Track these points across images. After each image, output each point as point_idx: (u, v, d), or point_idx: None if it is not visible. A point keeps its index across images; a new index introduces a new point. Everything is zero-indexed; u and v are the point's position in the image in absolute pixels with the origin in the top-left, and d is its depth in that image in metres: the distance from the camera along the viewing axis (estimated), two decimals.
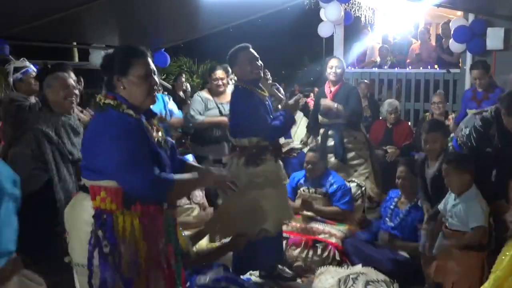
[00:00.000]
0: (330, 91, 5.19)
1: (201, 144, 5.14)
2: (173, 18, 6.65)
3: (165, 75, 12.23)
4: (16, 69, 4.23)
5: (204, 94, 5.22)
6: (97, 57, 7.57)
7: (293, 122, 3.88)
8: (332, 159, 5.14)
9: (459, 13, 7.87)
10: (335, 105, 5.01)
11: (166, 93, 8.16)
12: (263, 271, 4.17)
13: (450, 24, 7.45)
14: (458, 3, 6.67)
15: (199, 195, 4.41)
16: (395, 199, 4.20)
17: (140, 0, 5.80)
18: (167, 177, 2.19)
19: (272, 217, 3.65)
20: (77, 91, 3.30)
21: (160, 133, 2.34)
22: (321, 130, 5.28)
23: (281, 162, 3.90)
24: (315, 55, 10.40)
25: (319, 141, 5.27)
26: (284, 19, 10.52)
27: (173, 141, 2.56)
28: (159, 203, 2.26)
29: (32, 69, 4.29)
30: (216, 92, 5.16)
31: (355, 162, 5.21)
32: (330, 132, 5.19)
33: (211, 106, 5.12)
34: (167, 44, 8.03)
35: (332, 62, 5.18)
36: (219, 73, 5.14)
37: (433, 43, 9.30)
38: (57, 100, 3.16)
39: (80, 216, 2.25)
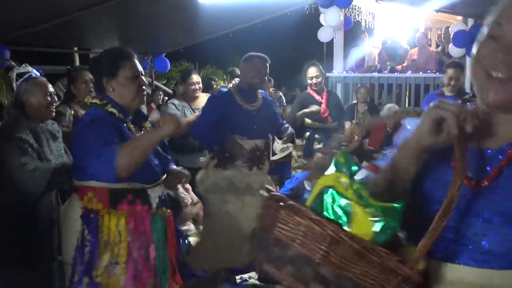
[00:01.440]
0: (321, 98, 5.23)
1: (180, 153, 4.91)
2: (173, 23, 6.68)
3: (166, 80, 12.25)
4: (20, 75, 4.22)
5: (178, 101, 5.19)
6: None
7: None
8: None
9: (459, 17, 7.89)
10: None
11: (166, 98, 8.22)
12: (262, 274, 4.17)
13: (450, 28, 7.48)
14: (458, 9, 6.69)
15: (186, 196, 4.41)
16: None
17: (141, 6, 5.83)
18: (112, 147, 2.11)
19: (237, 223, 3.64)
20: (56, 98, 3.17)
21: None
22: (307, 134, 5.30)
23: (262, 171, 3.79)
24: (316, 59, 10.43)
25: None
26: (284, 24, 10.54)
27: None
28: (145, 202, 2.28)
29: (35, 73, 4.28)
30: (192, 97, 5.13)
31: None
32: (316, 136, 5.23)
33: (188, 113, 5.04)
34: (168, 49, 8.06)
35: (312, 72, 5.16)
36: (194, 77, 5.15)
37: (434, 47, 9.33)
38: (37, 107, 3.02)
39: (71, 216, 2.31)
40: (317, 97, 5.20)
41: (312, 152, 5.22)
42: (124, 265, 2.20)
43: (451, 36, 7.23)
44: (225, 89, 3.93)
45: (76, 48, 8.57)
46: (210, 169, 3.74)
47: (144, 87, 2.35)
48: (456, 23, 7.61)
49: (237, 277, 4.13)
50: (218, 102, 3.75)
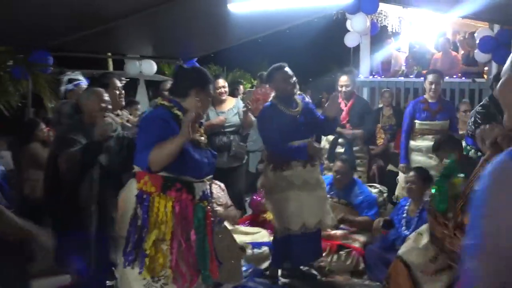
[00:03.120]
0: (345, 105, 5.43)
1: None
2: (204, 30, 6.88)
3: None
4: (70, 80, 4.53)
5: None
6: (131, 67, 7.92)
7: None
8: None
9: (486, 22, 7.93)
10: (354, 132, 5.34)
11: None
12: (285, 270, 4.40)
13: (476, 34, 7.54)
14: (484, 15, 6.73)
15: (222, 196, 4.63)
16: (406, 207, 4.34)
17: (173, 14, 6.05)
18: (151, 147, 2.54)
19: (295, 218, 4.03)
20: (110, 106, 3.42)
21: (202, 138, 2.79)
22: (331, 137, 5.50)
23: (314, 168, 4.17)
24: (342, 64, 10.58)
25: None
26: (311, 29, 10.70)
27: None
28: (190, 192, 2.67)
29: (84, 82, 4.58)
30: (217, 101, 5.32)
31: (361, 169, 5.51)
32: (340, 140, 5.42)
33: (212, 116, 5.27)
34: (198, 54, 8.28)
35: (342, 80, 5.40)
36: (221, 81, 5.39)
37: (461, 51, 9.34)
38: (92, 114, 3.31)
39: (129, 196, 2.73)
40: (342, 104, 5.41)
41: (334, 155, 5.42)
42: (169, 242, 2.58)
43: (477, 42, 7.29)
44: (267, 103, 4.24)
45: (110, 53, 8.91)
46: (270, 172, 4.12)
47: None
48: (482, 28, 7.66)
49: None
50: (267, 115, 4.13)
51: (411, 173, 4.37)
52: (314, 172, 4.16)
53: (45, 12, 5.07)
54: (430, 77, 5.29)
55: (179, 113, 2.67)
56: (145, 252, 2.57)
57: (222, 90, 5.35)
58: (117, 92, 3.92)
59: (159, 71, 9.61)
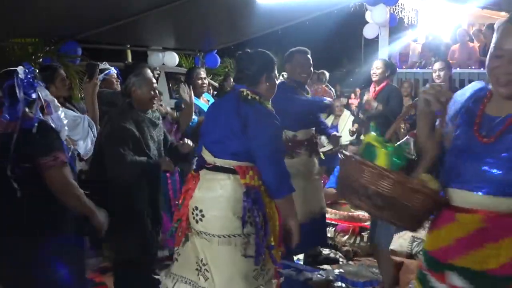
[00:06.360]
0: (374, 90, 5.53)
1: None
2: (226, 22, 6.98)
3: (211, 75, 12.68)
4: (100, 71, 4.70)
5: None
6: (155, 59, 8.05)
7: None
8: None
9: (503, 13, 7.99)
10: (375, 103, 5.34)
11: (216, 92, 8.63)
12: (308, 257, 4.50)
13: (495, 25, 7.59)
14: (502, 5, 6.81)
15: None
16: None
17: (198, 6, 6.14)
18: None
19: (301, 206, 4.05)
20: (158, 94, 3.56)
21: None
22: (356, 125, 5.61)
23: (315, 159, 4.24)
24: (357, 56, 10.66)
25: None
26: (329, 21, 10.76)
27: None
28: None
29: (113, 70, 4.79)
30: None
31: None
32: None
33: None
34: (218, 46, 8.39)
35: (375, 64, 5.47)
36: None
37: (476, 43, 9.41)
38: (143, 100, 3.36)
39: (225, 195, 2.64)
40: (371, 89, 5.51)
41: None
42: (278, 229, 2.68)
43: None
44: (281, 81, 4.17)
45: (131, 45, 9.03)
46: None
47: None
48: (501, 19, 7.71)
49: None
50: (284, 97, 3.94)
51: None
52: (315, 162, 4.24)
53: (74, 5, 5.21)
54: (436, 65, 5.32)
55: (271, 108, 2.74)
56: (272, 245, 2.65)
57: None
58: (200, 82, 4.49)
59: (178, 63, 9.75)
